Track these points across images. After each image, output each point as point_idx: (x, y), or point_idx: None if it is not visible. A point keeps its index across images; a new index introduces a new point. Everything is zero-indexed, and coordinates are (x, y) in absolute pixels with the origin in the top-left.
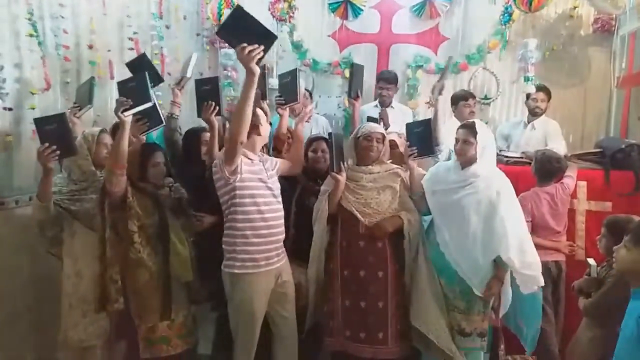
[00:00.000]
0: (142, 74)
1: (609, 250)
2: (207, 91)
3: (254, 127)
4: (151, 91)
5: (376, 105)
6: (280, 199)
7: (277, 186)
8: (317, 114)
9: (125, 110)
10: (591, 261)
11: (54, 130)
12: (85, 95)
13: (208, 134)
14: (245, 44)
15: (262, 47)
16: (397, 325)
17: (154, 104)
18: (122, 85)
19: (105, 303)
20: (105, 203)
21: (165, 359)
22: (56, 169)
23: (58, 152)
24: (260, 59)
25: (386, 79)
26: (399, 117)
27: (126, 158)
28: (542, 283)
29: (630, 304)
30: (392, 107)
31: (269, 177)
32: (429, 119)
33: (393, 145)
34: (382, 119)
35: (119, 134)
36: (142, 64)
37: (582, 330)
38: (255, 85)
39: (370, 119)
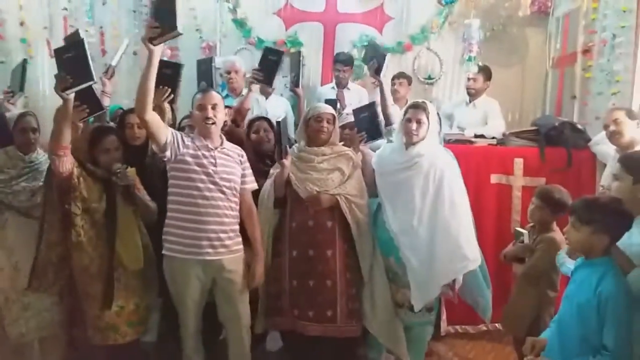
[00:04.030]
0: (80, 44)
1: (542, 219)
2: (167, 76)
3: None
4: (92, 67)
5: (333, 87)
6: (232, 197)
7: (228, 185)
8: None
9: (67, 88)
10: (523, 230)
11: None
12: (17, 81)
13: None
14: (152, 21)
15: (159, 31)
16: (348, 304)
17: (90, 88)
18: (58, 55)
19: (39, 284)
20: (52, 184)
21: (115, 347)
22: None
23: None
24: (154, 38)
25: (342, 61)
26: (355, 98)
27: (68, 139)
28: (479, 261)
29: (580, 272)
30: (348, 88)
31: (216, 172)
32: (373, 102)
33: (352, 126)
34: (339, 100)
35: (59, 114)
36: (75, 42)
37: (516, 294)
38: (153, 64)
39: (327, 101)
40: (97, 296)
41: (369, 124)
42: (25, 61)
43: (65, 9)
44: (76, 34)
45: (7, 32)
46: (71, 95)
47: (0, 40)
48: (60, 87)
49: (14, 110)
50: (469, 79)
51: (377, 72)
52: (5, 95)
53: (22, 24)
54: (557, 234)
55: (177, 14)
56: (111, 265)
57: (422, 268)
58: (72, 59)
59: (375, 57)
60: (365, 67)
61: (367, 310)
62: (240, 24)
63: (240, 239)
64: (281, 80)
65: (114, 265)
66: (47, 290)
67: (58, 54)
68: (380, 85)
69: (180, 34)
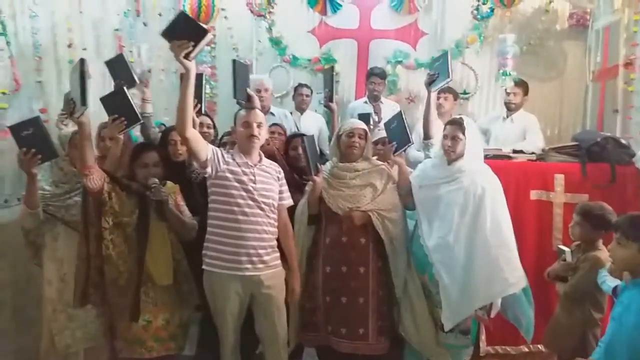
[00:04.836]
0: (81, 67)
1: (583, 236)
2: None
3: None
4: (87, 90)
5: (365, 101)
6: (271, 213)
7: (267, 201)
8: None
9: (72, 112)
10: (565, 248)
11: (32, 135)
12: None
13: None
14: (176, 41)
15: (191, 43)
16: (379, 321)
17: (128, 100)
18: (71, 76)
19: (81, 299)
20: (88, 200)
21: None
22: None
23: (39, 156)
24: (189, 54)
25: (377, 74)
26: (389, 113)
27: (91, 159)
28: (524, 284)
29: (627, 293)
30: (381, 102)
31: (256, 189)
32: (400, 112)
33: (384, 141)
34: (376, 112)
35: (79, 137)
36: (120, 63)
37: (560, 314)
38: (190, 80)
39: (360, 115)
40: (125, 309)
41: (398, 133)
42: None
43: (118, 29)
44: (120, 56)
45: (58, 53)
46: (83, 118)
47: (41, 62)
48: (68, 111)
49: (66, 129)
50: (508, 94)
51: (430, 84)
52: (59, 116)
53: (69, 46)
54: (602, 252)
55: (87, 91)
56: (139, 278)
57: (454, 287)
58: (75, 82)
59: (436, 69)
60: (399, 83)
61: (410, 326)
62: (275, 42)
63: (278, 255)
64: (315, 97)
65: (143, 279)
66: (93, 301)
67: (71, 79)
68: (428, 97)
69: (87, 108)
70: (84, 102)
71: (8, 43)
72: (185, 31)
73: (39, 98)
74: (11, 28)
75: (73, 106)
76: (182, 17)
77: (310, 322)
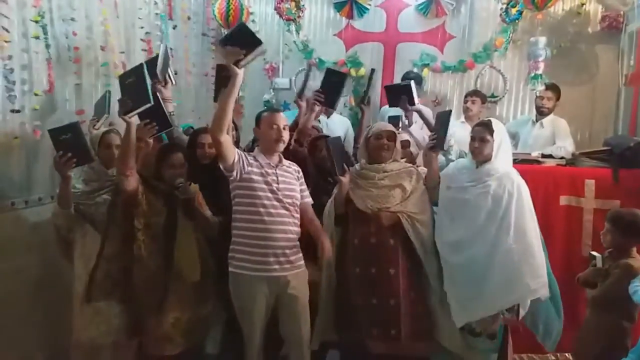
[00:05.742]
0: (140, 69)
1: (614, 243)
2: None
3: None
4: (150, 91)
5: None
6: (295, 213)
7: (291, 201)
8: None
9: (127, 112)
10: (596, 253)
11: (69, 140)
12: (101, 107)
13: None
14: (229, 47)
15: (243, 51)
16: (413, 324)
17: (160, 106)
18: (122, 79)
19: (91, 295)
20: (118, 200)
21: (167, 357)
22: None
23: (75, 159)
24: (239, 61)
25: (412, 79)
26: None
27: (133, 160)
28: (546, 292)
29: None
30: None
31: (279, 189)
32: (450, 111)
33: (405, 144)
34: (407, 117)
35: (124, 137)
36: (135, 67)
37: (589, 321)
38: (235, 86)
39: (390, 118)
40: (153, 306)
41: (439, 131)
42: (109, 92)
43: (148, 33)
44: (156, 57)
45: (94, 56)
46: (133, 118)
47: (77, 65)
48: (122, 111)
49: (97, 132)
50: (541, 98)
51: (411, 103)
52: (91, 122)
53: (103, 49)
54: (635, 260)
55: (149, 89)
56: (167, 277)
57: (467, 288)
58: (132, 83)
59: (400, 94)
60: (426, 86)
61: (444, 327)
62: (302, 45)
63: (301, 255)
64: (341, 100)
65: (172, 276)
66: (106, 298)
67: (121, 79)
68: (419, 112)
69: (151, 104)
70: (148, 99)
71: (47, 46)
72: (240, 39)
73: (74, 100)
74: (49, 31)
75: (130, 105)
76: (242, 27)
77: (339, 323)
